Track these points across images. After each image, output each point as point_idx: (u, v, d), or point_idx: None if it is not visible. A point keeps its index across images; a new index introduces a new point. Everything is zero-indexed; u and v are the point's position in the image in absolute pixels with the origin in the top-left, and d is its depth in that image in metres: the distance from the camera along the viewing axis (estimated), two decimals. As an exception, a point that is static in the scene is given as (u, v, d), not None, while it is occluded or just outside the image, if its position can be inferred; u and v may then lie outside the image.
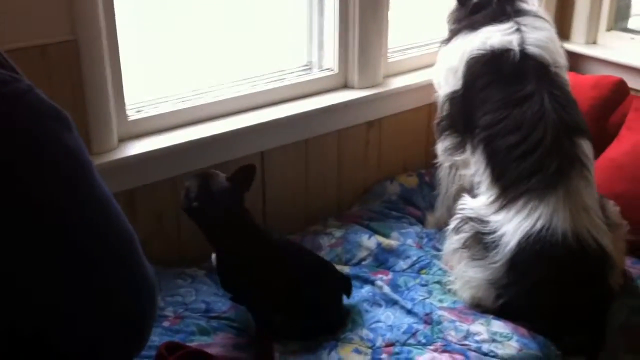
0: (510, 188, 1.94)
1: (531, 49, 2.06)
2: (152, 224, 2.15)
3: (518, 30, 2.11)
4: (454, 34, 2.26)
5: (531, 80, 2.01)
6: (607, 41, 2.88)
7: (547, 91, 1.99)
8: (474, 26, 2.19)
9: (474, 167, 2.09)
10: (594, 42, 2.91)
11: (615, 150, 2.34)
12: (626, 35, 2.86)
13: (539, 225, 1.85)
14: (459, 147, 2.21)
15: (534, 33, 2.11)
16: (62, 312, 0.95)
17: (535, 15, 2.18)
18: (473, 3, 2.23)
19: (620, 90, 2.51)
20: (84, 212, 0.95)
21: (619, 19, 2.91)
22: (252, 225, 1.86)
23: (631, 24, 2.94)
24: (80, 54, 1.88)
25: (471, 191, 2.11)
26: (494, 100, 2.03)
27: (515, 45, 2.06)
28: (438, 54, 2.37)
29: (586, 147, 1.98)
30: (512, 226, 1.89)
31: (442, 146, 2.30)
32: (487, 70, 2.08)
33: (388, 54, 2.60)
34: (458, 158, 2.21)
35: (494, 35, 2.11)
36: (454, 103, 2.19)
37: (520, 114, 1.98)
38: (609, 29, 2.88)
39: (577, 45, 2.87)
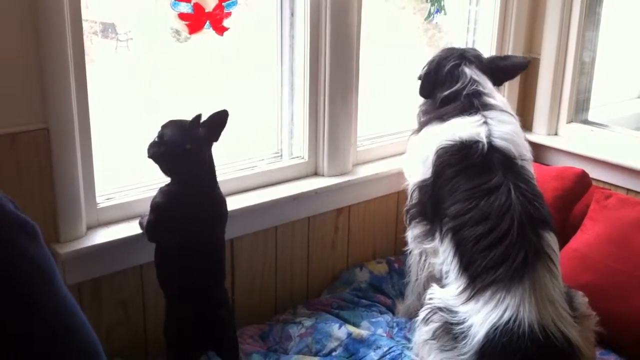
0: (478, 278, 1.94)
1: (498, 142, 2.11)
2: (118, 312, 2.10)
3: (485, 123, 2.16)
4: (423, 124, 2.32)
5: (498, 172, 2.06)
6: (568, 133, 2.97)
7: (513, 184, 2.03)
8: (442, 117, 2.24)
9: (442, 255, 2.10)
10: (556, 134, 3.00)
11: (579, 241, 2.37)
12: (586, 127, 2.95)
13: (506, 316, 1.85)
14: (428, 235, 2.22)
15: (500, 126, 2.16)
16: None
17: (501, 110, 2.24)
18: (442, 97, 2.30)
19: (582, 182, 2.57)
20: (41, 323, 0.93)
21: (579, 111, 3.02)
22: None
23: (591, 116, 3.04)
24: (52, 142, 1.87)
25: (440, 280, 2.11)
26: (462, 190, 2.07)
27: (483, 137, 2.11)
28: (408, 143, 2.41)
29: (551, 240, 2.01)
30: (481, 317, 1.88)
31: (411, 234, 2.31)
32: (455, 160, 2.12)
33: (357, 142, 2.65)
34: (427, 246, 2.22)
35: (463, 127, 2.17)
36: (423, 191, 2.22)
37: (488, 205, 2.01)
38: (569, 121, 2.98)
39: (539, 137, 2.96)
